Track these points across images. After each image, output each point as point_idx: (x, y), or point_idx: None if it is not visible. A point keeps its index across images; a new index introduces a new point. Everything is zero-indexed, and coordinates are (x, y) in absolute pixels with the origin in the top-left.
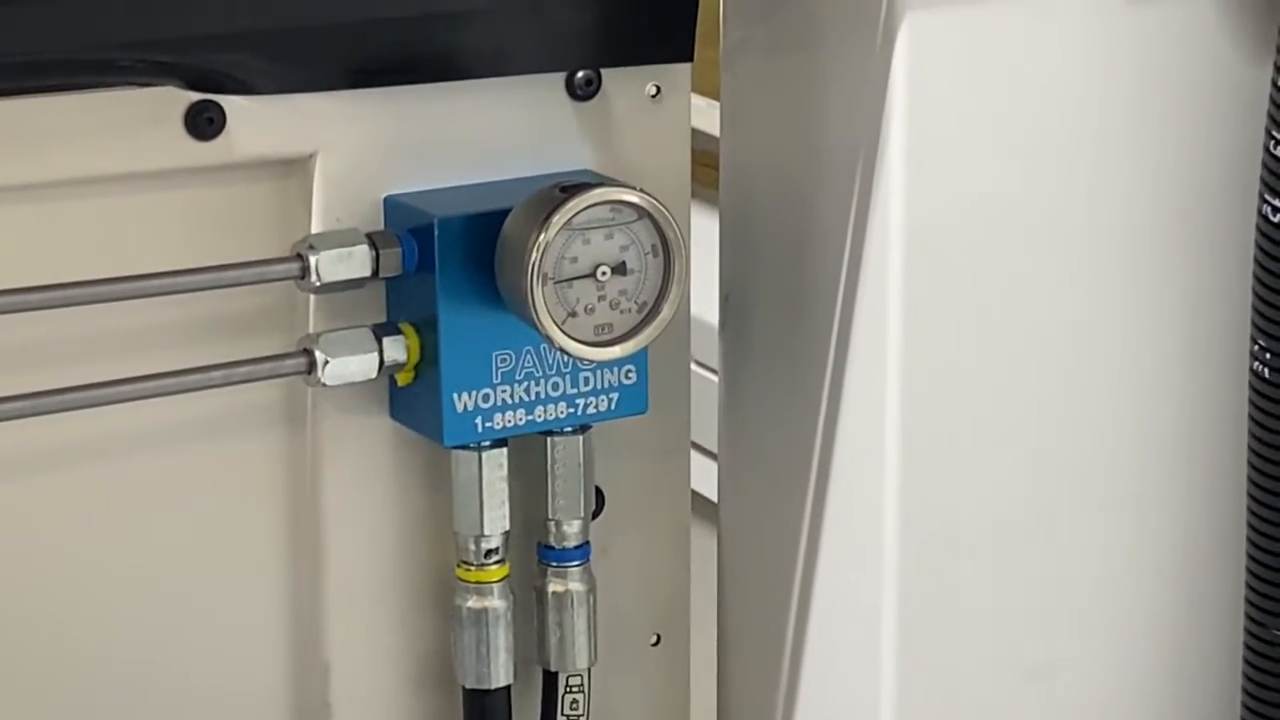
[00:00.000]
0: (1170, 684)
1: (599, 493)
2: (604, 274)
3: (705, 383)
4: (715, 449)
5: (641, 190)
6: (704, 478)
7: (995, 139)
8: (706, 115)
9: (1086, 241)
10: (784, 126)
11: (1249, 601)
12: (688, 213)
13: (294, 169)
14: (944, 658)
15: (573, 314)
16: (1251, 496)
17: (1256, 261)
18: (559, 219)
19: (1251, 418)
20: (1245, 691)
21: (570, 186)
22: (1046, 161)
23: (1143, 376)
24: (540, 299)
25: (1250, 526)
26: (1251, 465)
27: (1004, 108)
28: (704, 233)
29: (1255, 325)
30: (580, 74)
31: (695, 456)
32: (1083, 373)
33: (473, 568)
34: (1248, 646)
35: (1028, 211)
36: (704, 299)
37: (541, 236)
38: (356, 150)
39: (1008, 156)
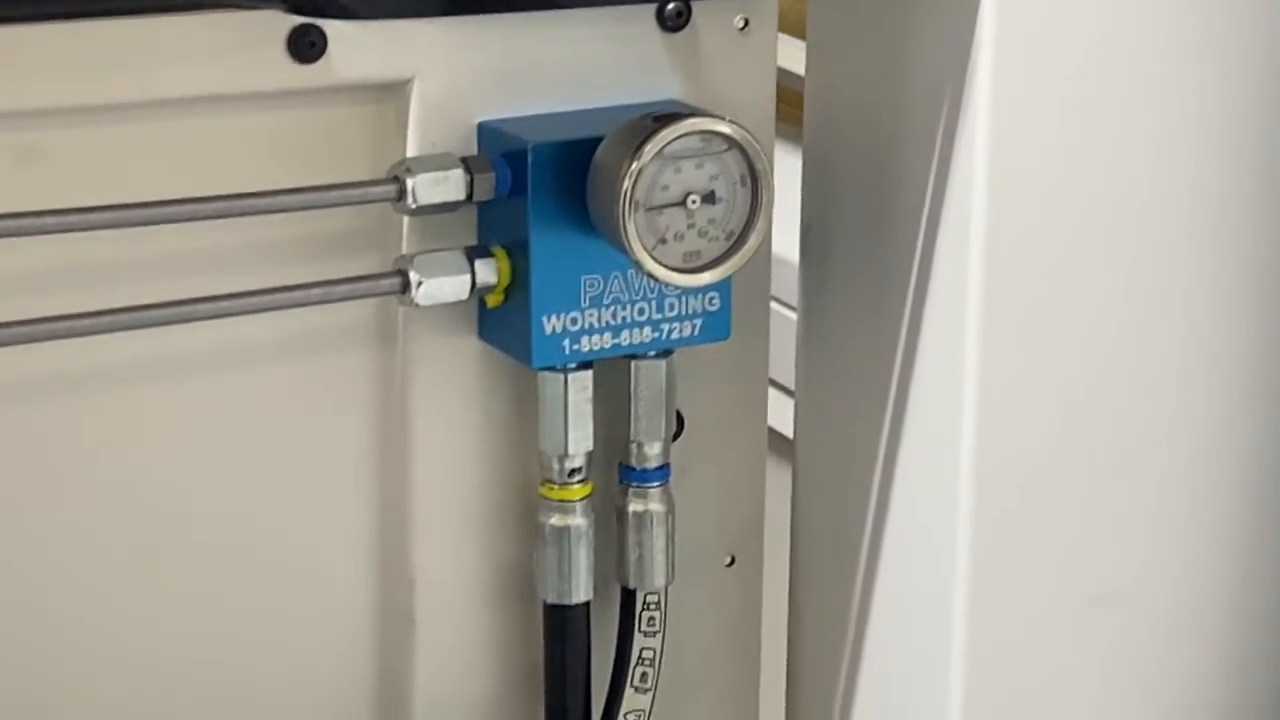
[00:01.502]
0: (1239, 613)
1: (679, 416)
2: (694, 202)
3: (783, 319)
4: (792, 385)
5: (732, 121)
6: (780, 414)
7: (1082, 78)
8: (789, 53)
9: (1170, 185)
10: (869, 61)
11: None
12: (772, 145)
13: (391, 93)
14: (1017, 586)
15: (662, 240)
16: None
17: None
18: (652, 147)
19: None
20: None
21: (663, 116)
22: (1131, 102)
23: (1221, 312)
24: (632, 225)
25: None
26: None
27: (1091, 48)
28: (783, 170)
29: None
30: (671, 5)
31: (771, 393)
32: (1161, 308)
33: (556, 486)
34: None
35: (1112, 152)
36: (782, 236)
37: (635, 164)
38: (452, 76)
39: (1093, 96)
